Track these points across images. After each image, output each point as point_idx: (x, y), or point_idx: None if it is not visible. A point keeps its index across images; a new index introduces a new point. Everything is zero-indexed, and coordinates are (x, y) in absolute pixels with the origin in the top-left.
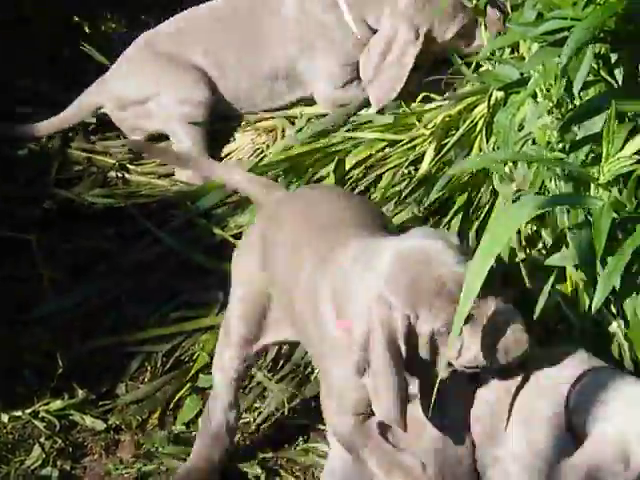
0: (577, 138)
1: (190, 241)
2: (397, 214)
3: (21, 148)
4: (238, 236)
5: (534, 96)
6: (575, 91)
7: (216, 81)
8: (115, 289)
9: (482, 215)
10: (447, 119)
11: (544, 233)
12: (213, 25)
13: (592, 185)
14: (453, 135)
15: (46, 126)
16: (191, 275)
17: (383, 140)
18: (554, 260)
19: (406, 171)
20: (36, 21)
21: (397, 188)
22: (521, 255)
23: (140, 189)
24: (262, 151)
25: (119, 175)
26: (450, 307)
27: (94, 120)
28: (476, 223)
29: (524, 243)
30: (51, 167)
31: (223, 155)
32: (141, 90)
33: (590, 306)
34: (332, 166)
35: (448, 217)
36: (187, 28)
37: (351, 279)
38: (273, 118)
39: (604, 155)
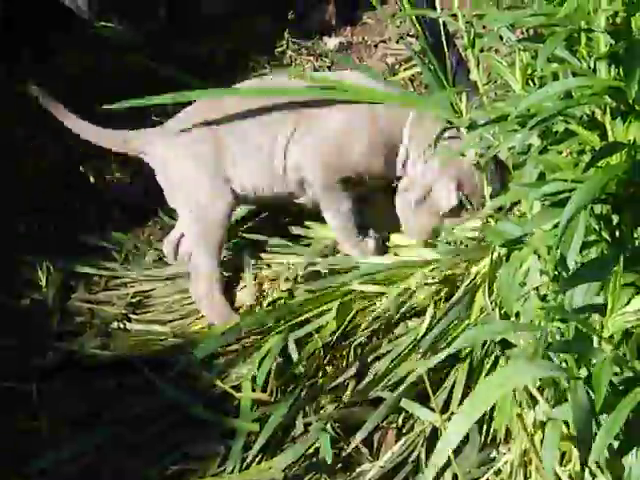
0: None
1: (190, 392)
2: (401, 363)
3: (23, 298)
4: (238, 387)
5: (537, 253)
6: (569, 262)
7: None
8: (114, 441)
9: (489, 365)
10: (449, 273)
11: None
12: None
13: (594, 340)
14: (455, 287)
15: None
16: (191, 427)
17: (383, 293)
18: (555, 414)
19: (410, 324)
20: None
21: (401, 340)
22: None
23: (141, 338)
24: (264, 297)
25: (121, 326)
26: None
27: (98, 271)
28: (484, 372)
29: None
30: (52, 318)
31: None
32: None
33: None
34: (332, 313)
35: (453, 369)
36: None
37: None
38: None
39: (609, 309)
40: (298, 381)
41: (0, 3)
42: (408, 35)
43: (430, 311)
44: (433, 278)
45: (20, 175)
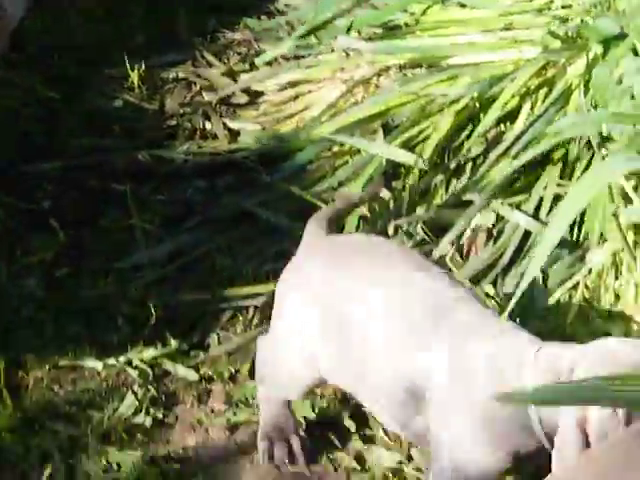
0: None
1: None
2: (491, 168)
3: (116, 98)
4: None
5: (634, 50)
6: None
7: None
8: (207, 242)
9: (579, 171)
10: (541, 75)
11: None
12: None
13: None
14: (548, 92)
15: None
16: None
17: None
18: None
19: (501, 128)
20: None
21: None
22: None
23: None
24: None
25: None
26: None
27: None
28: (576, 176)
29: (620, 199)
30: (146, 119)
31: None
32: None
33: None
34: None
35: (545, 172)
36: None
37: None
38: None
39: None
40: None
41: None
42: None
43: (525, 114)
44: (530, 78)
45: None
